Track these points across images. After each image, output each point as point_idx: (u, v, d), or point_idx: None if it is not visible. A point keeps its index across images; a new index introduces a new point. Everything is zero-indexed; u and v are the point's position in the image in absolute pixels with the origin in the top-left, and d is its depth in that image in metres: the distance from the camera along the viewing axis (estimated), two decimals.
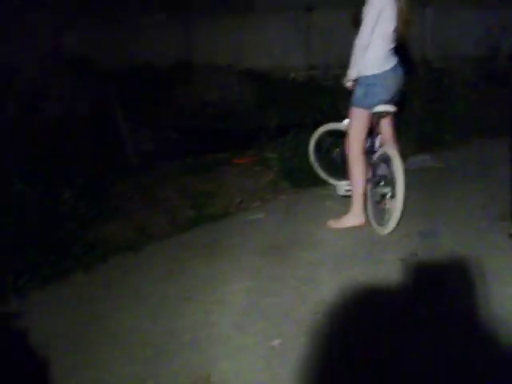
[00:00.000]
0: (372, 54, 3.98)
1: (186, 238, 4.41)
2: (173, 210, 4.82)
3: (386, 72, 4.02)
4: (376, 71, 4.00)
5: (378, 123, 4.20)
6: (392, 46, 4.09)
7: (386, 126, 4.27)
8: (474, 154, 5.86)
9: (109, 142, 5.65)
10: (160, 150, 5.91)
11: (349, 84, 4.15)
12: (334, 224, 4.29)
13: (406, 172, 3.99)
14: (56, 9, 6.52)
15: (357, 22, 4.01)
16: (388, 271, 3.55)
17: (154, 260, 4.10)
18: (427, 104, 6.56)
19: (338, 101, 6.62)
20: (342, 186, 4.53)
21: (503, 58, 7.65)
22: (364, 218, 4.23)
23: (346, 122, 4.41)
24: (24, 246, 4.05)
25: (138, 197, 5.17)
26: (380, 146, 4.24)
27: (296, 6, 7.90)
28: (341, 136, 4.65)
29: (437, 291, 3.28)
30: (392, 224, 3.96)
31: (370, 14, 3.90)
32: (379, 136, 4.26)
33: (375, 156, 4.21)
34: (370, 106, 4.04)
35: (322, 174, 5.04)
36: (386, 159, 4.06)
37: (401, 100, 4.35)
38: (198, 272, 3.82)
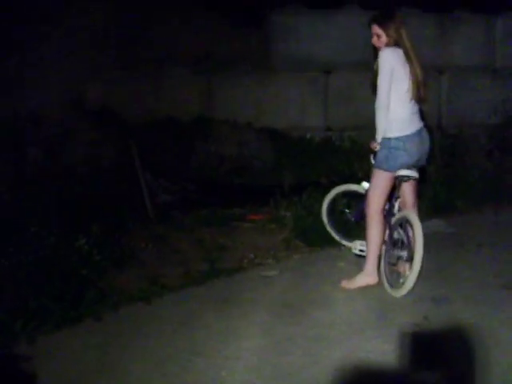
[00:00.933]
0: (393, 115, 4.03)
1: (198, 291, 4.41)
2: (187, 262, 4.84)
3: (409, 136, 4.05)
4: (398, 134, 4.04)
5: (399, 186, 4.21)
6: (415, 108, 4.13)
7: (407, 191, 4.28)
8: (486, 221, 5.90)
9: (128, 191, 5.73)
10: (177, 201, 5.98)
11: (377, 148, 4.14)
12: (347, 284, 4.29)
13: None
14: (84, 58, 6.74)
15: (374, 87, 4.10)
16: (400, 335, 3.53)
17: (166, 312, 4.10)
18: (441, 169, 6.65)
19: (354, 162, 6.74)
20: (356, 246, 4.53)
21: None
22: (377, 278, 4.23)
23: (364, 184, 4.45)
24: (36, 289, 4.06)
25: (152, 247, 5.21)
26: (399, 210, 4.26)
27: (315, 68, 8.10)
28: (355, 197, 4.71)
29: (445, 359, 3.26)
30: (407, 287, 3.96)
31: (382, 74, 3.99)
32: (399, 199, 4.28)
33: (393, 219, 4.23)
34: (391, 169, 4.07)
35: (334, 234, 5.07)
36: (406, 223, 4.09)
37: (425, 166, 4.40)
38: (209, 326, 3.81)
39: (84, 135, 6.41)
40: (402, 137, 4.04)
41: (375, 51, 4.14)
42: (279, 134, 7.57)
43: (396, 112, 4.04)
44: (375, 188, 4.18)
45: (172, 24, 7.27)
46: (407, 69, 4.03)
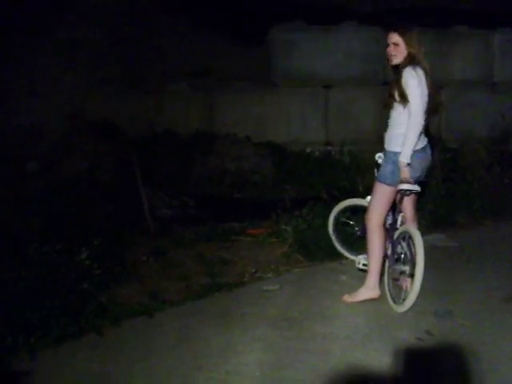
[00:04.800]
0: (405, 130, 3.98)
1: (199, 305, 4.40)
2: (187, 277, 4.84)
3: (416, 151, 4.02)
4: None
5: (401, 201, 4.20)
6: (424, 124, 4.08)
7: (408, 205, 4.28)
8: (487, 235, 5.90)
9: (128, 204, 5.74)
10: (177, 215, 5.99)
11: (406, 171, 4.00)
12: (349, 298, 4.28)
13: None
14: (85, 72, 6.77)
15: (386, 105, 4.09)
16: (402, 349, 3.52)
17: (167, 326, 4.08)
18: (442, 183, 6.66)
19: (354, 176, 6.76)
20: (360, 260, 4.52)
21: None
22: (379, 292, 4.22)
23: (369, 199, 4.46)
24: (37, 303, 4.05)
25: (153, 261, 5.20)
26: (401, 224, 4.26)
27: (315, 83, 8.16)
28: (361, 211, 4.71)
29: (448, 373, 3.25)
30: (409, 303, 3.95)
31: (417, 97, 3.88)
32: (401, 213, 4.28)
33: (396, 233, 4.23)
34: (395, 184, 4.05)
35: (340, 248, 5.07)
36: (407, 237, 4.09)
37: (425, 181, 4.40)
38: (210, 341, 3.79)
39: (84, 148, 6.43)
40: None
41: (389, 64, 4.08)
42: (279, 149, 7.61)
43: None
44: (378, 202, 4.17)
45: (174, 40, 7.32)
46: (425, 87, 3.97)
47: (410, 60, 3.96)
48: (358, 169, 6.92)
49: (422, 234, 4.13)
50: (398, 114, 4.04)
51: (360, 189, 5.75)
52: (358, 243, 4.92)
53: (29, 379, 3.38)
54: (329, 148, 8.06)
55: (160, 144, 6.80)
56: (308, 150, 7.91)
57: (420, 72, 3.95)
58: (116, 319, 4.14)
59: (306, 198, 6.22)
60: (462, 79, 8.48)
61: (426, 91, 3.95)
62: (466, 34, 8.46)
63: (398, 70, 4.03)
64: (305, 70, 8.10)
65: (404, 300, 4.00)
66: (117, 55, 7.17)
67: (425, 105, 3.95)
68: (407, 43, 3.99)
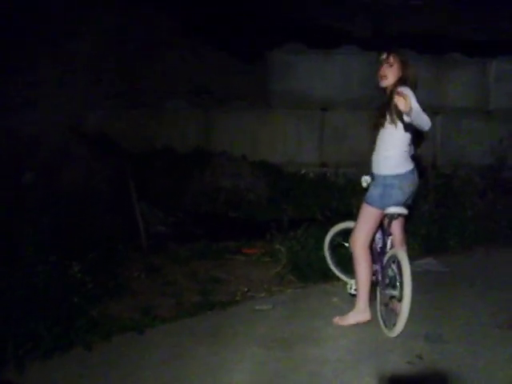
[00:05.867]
0: (393, 152, 4.03)
1: (191, 323, 4.39)
2: (180, 294, 4.83)
3: (405, 174, 4.05)
4: (396, 171, 4.04)
5: (389, 224, 4.22)
6: (412, 147, 4.14)
7: (396, 228, 4.31)
8: (479, 261, 5.93)
9: (123, 219, 5.75)
10: (172, 232, 6.00)
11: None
12: (340, 321, 4.28)
13: (412, 275, 4.00)
14: (85, 85, 6.80)
15: (376, 126, 4.10)
16: (392, 374, 3.51)
17: (157, 343, 4.07)
18: (435, 209, 6.70)
19: (348, 198, 6.79)
20: (352, 285, 4.51)
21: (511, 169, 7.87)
22: (369, 315, 4.21)
23: None
24: (27, 315, 4.03)
25: (145, 277, 5.20)
26: (391, 248, 4.28)
27: (312, 105, 8.23)
28: None
29: None
30: (399, 327, 3.94)
31: (413, 97, 3.77)
32: (391, 237, 4.29)
33: (386, 257, 4.23)
34: (383, 207, 4.07)
35: (335, 270, 5.06)
36: (395, 261, 4.09)
37: (412, 203, 4.43)
38: (201, 359, 3.78)
39: (81, 161, 6.44)
40: (398, 175, 4.04)
41: (379, 85, 4.11)
42: (274, 168, 7.64)
43: (397, 149, 4.04)
44: (364, 224, 4.15)
45: (173, 58, 7.38)
46: None
47: (402, 83, 3.99)
48: (352, 191, 6.95)
49: (415, 259, 4.15)
50: (389, 135, 4.04)
51: (354, 211, 5.77)
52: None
53: None
54: (324, 170, 8.10)
55: (157, 159, 6.82)
56: (303, 171, 7.95)
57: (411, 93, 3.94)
58: (107, 334, 4.12)
59: (301, 219, 6.25)
60: (458, 106, 8.56)
61: None
62: (462, 61, 8.57)
63: (385, 92, 4.07)
64: (302, 92, 8.18)
65: (395, 325, 4.00)
66: (117, 70, 7.21)
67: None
68: (404, 67, 4.05)
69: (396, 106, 3.75)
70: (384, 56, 4.08)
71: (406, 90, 3.81)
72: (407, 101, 3.61)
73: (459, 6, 8.03)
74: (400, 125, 3.98)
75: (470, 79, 8.64)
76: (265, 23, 7.63)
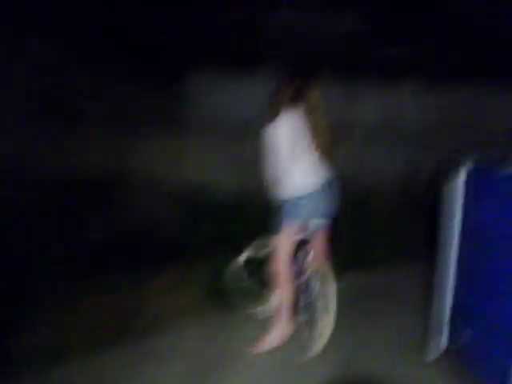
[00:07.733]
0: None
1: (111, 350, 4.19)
2: (95, 327, 4.60)
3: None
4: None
5: (309, 239, 4.21)
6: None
7: (317, 243, 4.30)
8: (378, 278, 5.95)
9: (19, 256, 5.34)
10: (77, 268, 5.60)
11: None
12: (261, 344, 4.20)
13: None
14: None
15: None
16: None
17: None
18: (351, 224, 6.73)
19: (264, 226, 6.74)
20: (265, 308, 4.46)
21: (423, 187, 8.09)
22: (290, 331, 4.16)
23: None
24: None
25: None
26: (311, 263, 4.26)
27: (229, 136, 8.21)
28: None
29: None
30: (319, 346, 3.91)
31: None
32: (312, 252, 4.28)
33: (307, 273, 4.21)
34: (297, 219, 4.07)
35: (253, 294, 4.98)
36: (317, 277, 4.08)
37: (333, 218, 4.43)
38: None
39: None
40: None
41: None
42: (189, 194, 7.53)
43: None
44: (283, 238, 4.15)
45: (84, 83, 7.17)
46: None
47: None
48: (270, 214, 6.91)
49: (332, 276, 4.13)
50: None
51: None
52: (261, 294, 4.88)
53: None
54: (241, 194, 8.04)
55: (66, 191, 6.49)
56: (220, 197, 7.86)
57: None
58: None
59: (220, 244, 6.12)
60: (369, 126, 8.76)
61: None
62: (374, 83, 8.78)
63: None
64: (219, 114, 8.15)
65: (316, 341, 3.96)
66: (24, 96, 6.87)
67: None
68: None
69: None
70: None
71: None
72: None
73: None
74: None
75: (383, 98, 8.85)
76: (181, 49, 7.57)
